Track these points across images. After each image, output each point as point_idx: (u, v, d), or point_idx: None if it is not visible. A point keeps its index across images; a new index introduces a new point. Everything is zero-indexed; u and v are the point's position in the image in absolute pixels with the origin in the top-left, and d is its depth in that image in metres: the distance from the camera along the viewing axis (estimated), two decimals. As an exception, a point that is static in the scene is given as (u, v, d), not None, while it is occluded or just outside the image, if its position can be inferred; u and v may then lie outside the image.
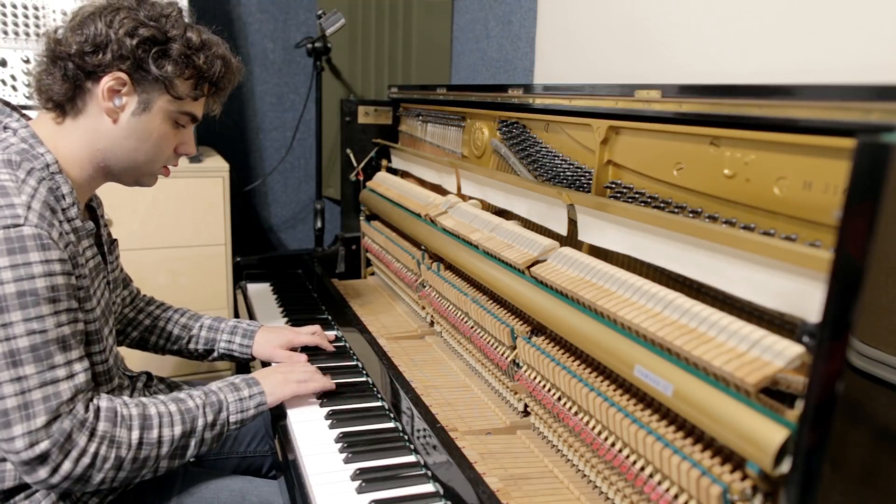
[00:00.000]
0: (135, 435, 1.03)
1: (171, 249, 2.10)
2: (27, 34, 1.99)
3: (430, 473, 1.08)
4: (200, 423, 1.12)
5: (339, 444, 1.16)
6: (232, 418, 1.16)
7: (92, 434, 0.99)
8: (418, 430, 1.17)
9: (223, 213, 2.15)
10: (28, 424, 0.93)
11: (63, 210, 1.03)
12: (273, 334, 1.50)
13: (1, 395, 0.93)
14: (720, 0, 1.36)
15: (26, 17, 1.98)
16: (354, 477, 1.06)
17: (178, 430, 1.09)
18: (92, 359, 1.10)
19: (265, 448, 1.49)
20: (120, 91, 1.05)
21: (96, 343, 1.10)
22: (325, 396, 1.31)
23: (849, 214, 0.54)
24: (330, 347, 1.54)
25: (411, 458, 1.13)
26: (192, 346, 1.48)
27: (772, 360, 0.70)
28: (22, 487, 1.06)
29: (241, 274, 2.13)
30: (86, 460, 0.98)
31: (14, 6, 1.95)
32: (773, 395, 0.71)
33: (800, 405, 0.65)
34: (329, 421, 1.24)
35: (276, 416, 1.27)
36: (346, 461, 1.11)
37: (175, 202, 2.07)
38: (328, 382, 1.32)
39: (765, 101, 0.82)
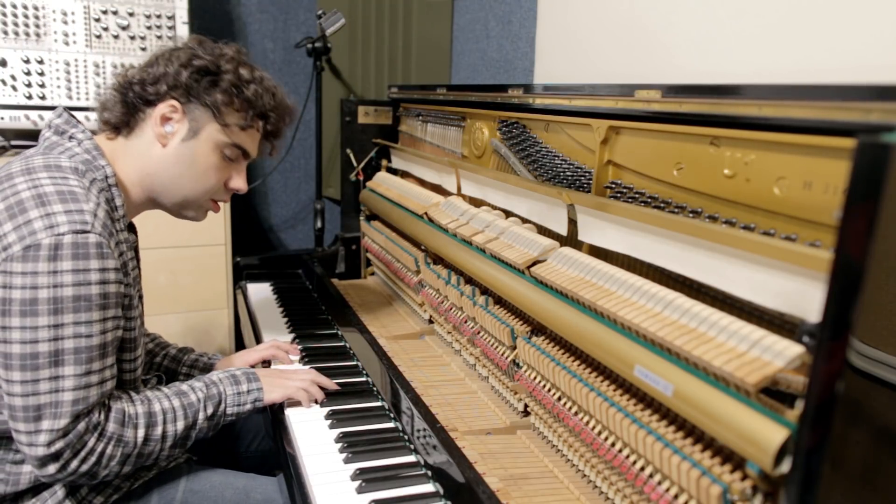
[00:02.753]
0: (140, 433, 1.06)
1: (171, 249, 2.10)
2: (27, 34, 1.99)
3: (430, 473, 1.08)
4: (201, 416, 1.15)
5: (339, 444, 1.16)
6: (229, 410, 1.20)
7: (101, 434, 1.02)
8: (418, 430, 1.17)
9: (223, 213, 2.15)
10: (53, 423, 0.97)
11: (116, 221, 1.08)
12: (229, 359, 1.49)
13: (37, 391, 0.96)
14: (720, 0, 1.36)
15: (26, 17, 1.98)
16: (354, 477, 1.06)
17: (180, 424, 1.12)
18: (122, 366, 1.12)
19: (267, 446, 1.49)
20: (172, 118, 1.13)
21: (131, 351, 1.13)
22: (325, 396, 1.31)
23: (849, 214, 0.54)
24: (286, 359, 1.50)
25: (411, 458, 1.13)
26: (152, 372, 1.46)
27: (772, 360, 0.70)
28: (31, 490, 1.07)
29: (241, 274, 2.13)
30: (93, 458, 1.01)
31: (14, 6, 1.95)
32: (773, 395, 0.71)
33: (800, 405, 0.65)
34: (329, 421, 1.24)
35: (276, 415, 1.27)
36: (346, 461, 1.11)
37: (175, 202, 2.07)
38: (326, 387, 1.32)
39: (765, 101, 0.82)
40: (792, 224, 0.80)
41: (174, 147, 1.13)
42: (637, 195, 1.07)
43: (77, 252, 0.96)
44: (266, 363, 1.49)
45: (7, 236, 0.95)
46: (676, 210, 0.98)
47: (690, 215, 0.95)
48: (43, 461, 0.98)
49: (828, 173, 0.75)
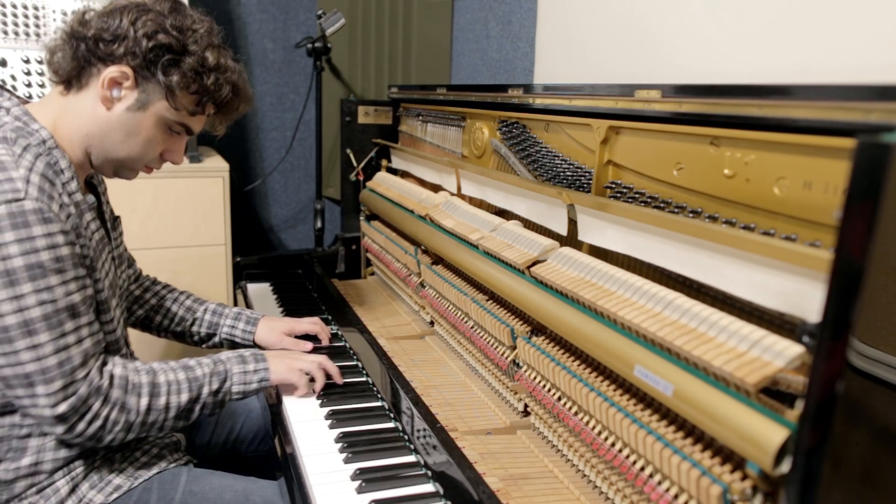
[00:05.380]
0: (143, 402, 1.09)
1: (171, 249, 2.10)
2: (27, 34, 1.99)
3: (430, 473, 1.08)
4: (206, 391, 1.17)
5: (339, 444, 1.16)
6: (235, 389, 1.21)
7: (105, 400, 1.06)
8: (418, 430, 1.17)
9: (223, 213, 2.14)
10: (47, 387, 0.99)
11: (63, 184, 1.05)
12: (276, 321, 1.53)
13: (20, 361, 0.98)
14: (720, 0, 1.36)
15: (26, 17, 1.98)
16: (354, 477, 1.06)
17: (184, 397, 1.14)
18: (102, 328, 1.13)
19: (266, 448, 1.49)
20: (122, 84, 1.07)
21: (105, 313, 1.14)
22: (325, 396, 1.32)
23: (849, 214, 0.54)
24: (326, 340, 1.56)
25: (411, 458, 1.13)
26: (195, 328, 1.50)
27: (772, 360, 0.70)
28: (33, 484, 1.09)
29: (241, 274, 2.13)
30: (98, 423, 1.05)
31: (14, 6, 1.95)
32: (773, 395, 0.71)
33: (800, 405, 0.65)
34: (329, 421, 1.24)
35: (276, 415, 1.27)
36: (346, 461, 1.11)
37: (175, 202, 2.07)
38: (332, 377, 1.34)
39: (765, 101, 0.82)
40: (792, 224, 0.80)
41: (118, 113, 1.08)
42: (637, 195, 1.07)
43: (16, 222, 0.95)
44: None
45: None
46: (676, 210, 0.98)
47: (690, 215, 0.95)
48: (51, 423, 1.01)
49: (828, 173, 0.75)
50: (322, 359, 1.34)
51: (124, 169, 1.16)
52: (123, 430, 1.08)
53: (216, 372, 1.19)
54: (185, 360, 1.20)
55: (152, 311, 1.49)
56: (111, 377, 1.07)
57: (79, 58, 1.06)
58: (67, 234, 1.01)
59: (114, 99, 1.08)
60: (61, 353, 1.00)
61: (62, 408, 1.00)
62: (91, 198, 1.13)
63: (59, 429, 1.02)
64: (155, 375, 1.13)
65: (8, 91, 1.10)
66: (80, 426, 1.03)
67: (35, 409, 1.00)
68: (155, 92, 1.08)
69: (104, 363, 1.07)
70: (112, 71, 1.06)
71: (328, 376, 1.34)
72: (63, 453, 1.11)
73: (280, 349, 1.44)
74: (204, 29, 1.12)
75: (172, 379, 1.14)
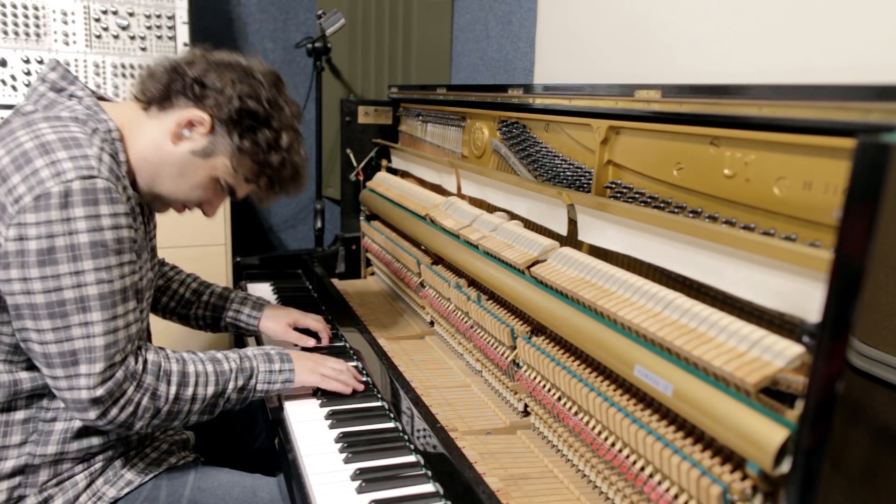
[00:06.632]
0: (172, 390, 1.09)
1: (171, 249, 2.10)
2: (27, 34, 1.99)
3: (430, 473, 1.08)
4: (231, 385, 1.17)
5: (339, 444, 1.16)
6: (259, 387, 1.22)
7: (139, 385, 1.05)
8: (418, 430, 1.17)
9: (223, 213, 2.14)
10: (90, 367, 0.99)
11: (125, 173, 1.08)
12: (282, 311, 1.54)
13: (70, 336, 0.98)
14: (720, 0, 1.36)
15: (26, 17, 1.98)
16: (354, 477, 1.06)
17: (210, 390, 1.14)
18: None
19: (270, 446, 1.49)
20: (195, 127, 1.11)
21: (139, 303, 1.14)
22: (325, 396, 1.32)
23: (849, 214, 0.54)
24: (327, 339, 1.56)
25: (411, 458, 1.13)
26: (199, 311, 1.50)
27: (772, 360, 0.70)
28: (54, 477, 1.09)
29: (242, 274, 2.13)
30: (130, 409, 1.04)
31: (14, 6, 1.96)
32: (773, 395, 0.71)
33: (800, 405, 0.65)
34: (329, 421, 1.24)
35: (276, 415, 1.27)
36: (346, 461, 1.11)
37: (175, 202, 2.07)
38: (355, 384, 1.34)
39: (765, 101, 0.82)
40: (792, 224, 0.80)
41: (181, 152, 1.11)
42: (637, 195, 1.07)
43: (87, 198, 0.97)
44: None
45: (17, 188, 0.95)
46: (676, 210, 0.98)
47: (690, 215, 0.95)
48: (85, 406, 1.00)
49: (828, 173, 0.75)
50: (346, 366, 1.35)
51: (160, 202, 1.18)
52: (151, 416, 1.07)
53: (242, 368, 1.20)
54: (213, 353, 1.20)
55: (158, 291, 1.49)
56: (144, 362, 1.07)
57: (170, 88, 1.11)
58: (128, 216, 1.04)
59: (183, 137, 1.11)
60: (109, 335, 1.00)
61: (100, 391, 0.99)
62: (136, 195, 1.14)
63: (93, 413, 1.01)
64: (185, 364, 1.13)
65: (76, 77, 1.13)
66: (113, 412, 1.02)
67: (70, 392, 0.99)
68: (222, 147, 1.12)
69: (139, 348, 1.08)
70: (195, 112, 1.10)
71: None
72: (86, 443, 1.11)
73: (285, 340, 1.47)
74: (290, 111, 1.17)
75: (201, 370, 1.14)
